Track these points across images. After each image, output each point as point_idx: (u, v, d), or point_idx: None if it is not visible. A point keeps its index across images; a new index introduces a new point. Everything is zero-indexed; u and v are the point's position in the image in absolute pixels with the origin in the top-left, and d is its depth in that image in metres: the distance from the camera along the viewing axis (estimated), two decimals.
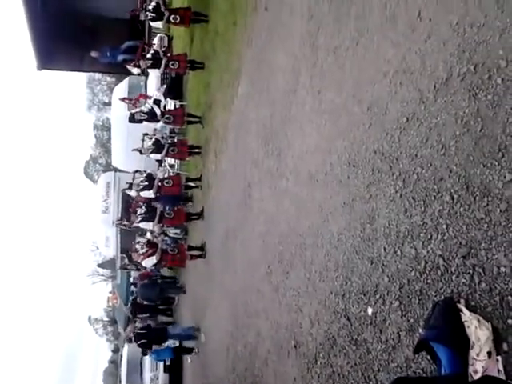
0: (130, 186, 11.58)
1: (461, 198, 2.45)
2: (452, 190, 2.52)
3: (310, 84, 4.76)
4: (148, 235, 12.57)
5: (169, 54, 12.36)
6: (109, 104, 36.64)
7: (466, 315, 2.21)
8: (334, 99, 4.17)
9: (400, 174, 3.02)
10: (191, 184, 12.44)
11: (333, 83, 4.22)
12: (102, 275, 51.31)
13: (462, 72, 2.59)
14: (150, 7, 11.56)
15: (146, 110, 11.79)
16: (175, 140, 13.09)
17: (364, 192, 3.42)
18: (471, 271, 2.33)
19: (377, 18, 3.55)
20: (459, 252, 2.41)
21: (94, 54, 17.47)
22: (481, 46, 2.49)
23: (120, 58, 16.94)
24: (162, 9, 11.36)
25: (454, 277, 2.44)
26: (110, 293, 41.10)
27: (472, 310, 2.27)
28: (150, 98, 12.89)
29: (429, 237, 2.65)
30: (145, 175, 11.32)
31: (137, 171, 11.87)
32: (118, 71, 20.24)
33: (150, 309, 15.26)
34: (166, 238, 13.25)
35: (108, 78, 43.51)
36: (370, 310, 3.19)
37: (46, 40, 17.42)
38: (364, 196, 3.41)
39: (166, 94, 13.48)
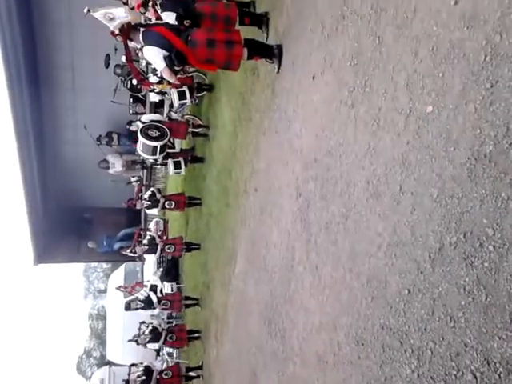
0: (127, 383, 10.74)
1: (484, 377, 2.26)
2: (472, 367, 2.33)
3: (306, 260, 4.76)
4: None
5: (165, 238, 12.68)
6: (104, 291, 36.14)
7: None
8: (332, 274, 4.13)
9: (412, 350, 2.83)
10: (192, 374, 11.63)
11: (329, 258, 4.23)
12: None
13: (453, 241, 2.62)
14: (146, 196, 12.20)
15: (142, 297, 11.63)
16: (173, 325, 12.65)
17: (378, 373, 3.17)
18: None
19: (361, 194, 3.72)
20: None
21: (90, 244, 17.93)
22: (465, 215, 2.56)
23: (116, 246, 17.40)
24: (158, 196, 11.99)
25: None
26: None
27: None
28: (146, 286, 12.83)
29: None
30: (141, 368, 10.60)
31: (133, 365, 11.14)
32: (115, 259, 20.42)
33: None
34: None
35: (104, 265, 43.64)
36: None
37: (44, 236, 17.71)
38: (379, 378, 3.15)
39: (163, 277, 13.47)
